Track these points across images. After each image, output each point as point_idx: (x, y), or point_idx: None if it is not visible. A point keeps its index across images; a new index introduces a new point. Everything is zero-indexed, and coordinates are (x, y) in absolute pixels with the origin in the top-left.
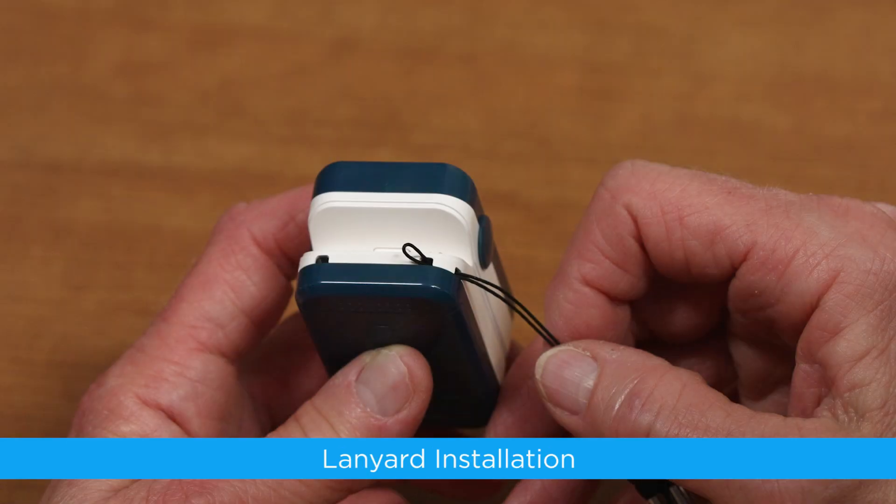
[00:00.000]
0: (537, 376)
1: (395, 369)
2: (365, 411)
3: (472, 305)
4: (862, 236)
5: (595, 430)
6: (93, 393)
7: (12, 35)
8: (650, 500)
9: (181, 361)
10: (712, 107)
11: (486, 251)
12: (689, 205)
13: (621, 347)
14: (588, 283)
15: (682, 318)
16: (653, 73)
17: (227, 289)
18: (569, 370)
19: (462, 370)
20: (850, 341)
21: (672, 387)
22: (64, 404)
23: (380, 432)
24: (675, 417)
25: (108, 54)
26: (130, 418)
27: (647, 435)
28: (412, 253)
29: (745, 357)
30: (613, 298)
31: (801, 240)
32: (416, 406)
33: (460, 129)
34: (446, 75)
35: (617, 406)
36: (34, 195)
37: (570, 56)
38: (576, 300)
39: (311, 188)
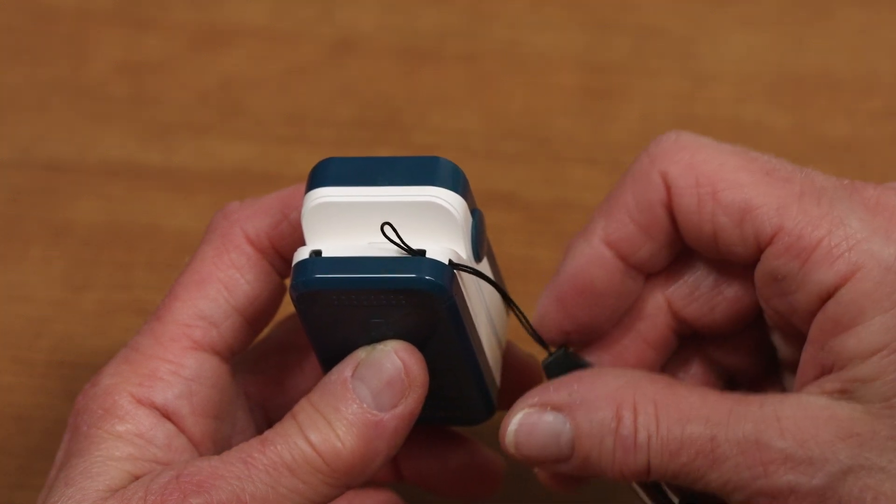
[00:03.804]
0: (512, 450)
1: (391, 364)
2: (361, 407)
3: (466, 299)
4: (888, 233)
5: (591, 472)
6: (87, 392)
7: (12, 35)
8: (634, 484)
9: (175, 360)
10: (712, 107)
11: (479, 244)
12: (724, 180)
13: (573, 384)
14: (609, 244)
15: (723, 308)
16: (653, 73)
17: (221, 287)
18: (540, 433)
19: (458, 366)
20: (860, 338)
21: (647, 412)
22: (64, 404)
23: (376, 428)
24: (663, 445)
25: (108, 54)
26: (125, 417)
27: (648, 469)
28: (390, 233)
29: (781, 344)
30: (631, 265)
31: (827, 229)
32: (412, 401)
33: (460, 129)
34: (446, 75)
35: (612, 452)
36: (34, 195)
37: (570, 56)
38: (591, 256)
39: (304, 186)
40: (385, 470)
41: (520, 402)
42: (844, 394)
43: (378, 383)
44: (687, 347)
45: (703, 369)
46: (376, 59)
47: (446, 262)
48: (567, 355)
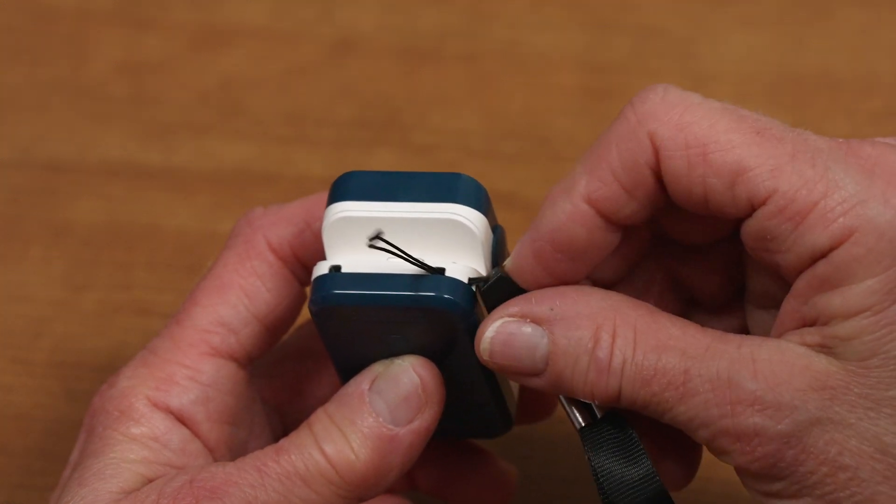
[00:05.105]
0: (485, 357)
1: (408, 380)
2: (377, 421)
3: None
4: (885, 197)
5: (561, 389)
6: (104, 394)
7: (12, 35)
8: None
9: (193, 365)
10: None
11: (500, 261)
12: (716, 141)
13: (555, 299)
14: (590, 202)
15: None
16: (653, 73)
17: (242, 294)
18: (516, 344)
19: (476, 382)
20: (845, 298)
21: (626, 336)
22: (64, 404)
23: (391, 442)
24: (636, 372)
25: (108, 54)
26: (141, 420)
27: (619, 395)
28: (379, 244)
29: (753, 272)
30: (612, 223)
31: (822, 192)
32: (428, 417)
33: (460, 129)
34: (446, 75)
35: (585, 372)
36: (34, 195)
37: (570, 56)
38: (571, 214)
39: (326, 194)
40: (399, 479)
41: (499, 310)
42: (823, 348)
43: (395, 397)
44: (651, 263)
45: (665, 289)
46: (376, 59)
47: (466, 281)
48: (503, 278)
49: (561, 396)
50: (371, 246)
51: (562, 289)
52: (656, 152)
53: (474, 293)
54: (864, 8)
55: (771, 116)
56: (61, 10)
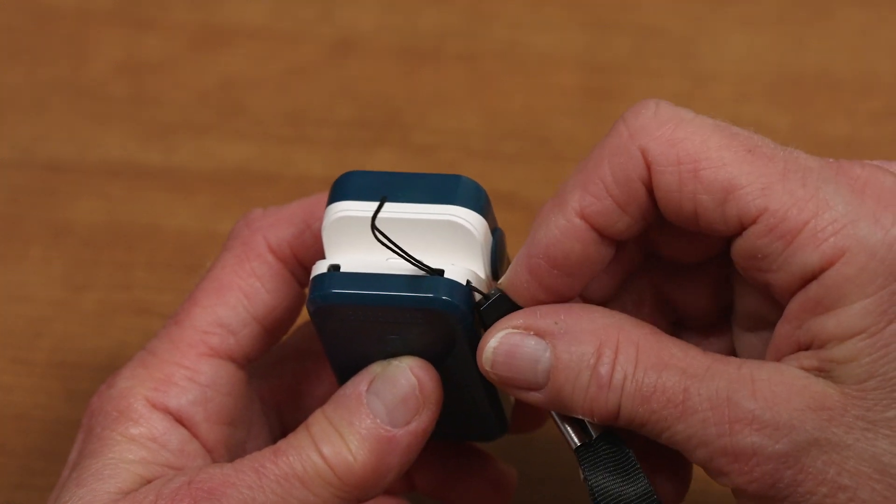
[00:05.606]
0: (487, 368)
1: (406, 381)
2: (375, 422)
3: None
4: (875, 217)
5: (560, 405)
6: (103, 394)
7: (12, 35)
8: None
9: (192, 366)
10: (712, 107)
11: (499, 264)
12: (707, 158)
13: (560, 314)
14: (584, 217)
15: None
16: (653, 73)
17: (241, 295)
18: (519, 356)
19: (473, 384)
20: (840, 321)
21: (628, 353)
22: (64, 404)
23: (389, 443)
24: (637, 389)
25: (108, 54)
26: (139, 420)
27: (618, 412)
28: (409, 252)
29: (741, 292)
30: (605, 237)
31: (812, 211)
32: (425, 418)
33: (460, 129)
34: (446, 75)
35: (585, 388)
36: (34, 195)
37: (570, 56)
38: (565, 229)
39: (327, 195)
40: (398, 480)
41: (503, 322)
42: (821, 372)
43: (392, 399)
44: (640, 282)
45: (654, 309)
46: (376, 59)
47: (464, 283)
48: (503, 298)
49: (555, 415)
50: (374, 229)
51: (567, 304)
52: (648, 167)
53: (472, 295)
54: (864, 8)
55: (771, 116)
56: (61, 10)
